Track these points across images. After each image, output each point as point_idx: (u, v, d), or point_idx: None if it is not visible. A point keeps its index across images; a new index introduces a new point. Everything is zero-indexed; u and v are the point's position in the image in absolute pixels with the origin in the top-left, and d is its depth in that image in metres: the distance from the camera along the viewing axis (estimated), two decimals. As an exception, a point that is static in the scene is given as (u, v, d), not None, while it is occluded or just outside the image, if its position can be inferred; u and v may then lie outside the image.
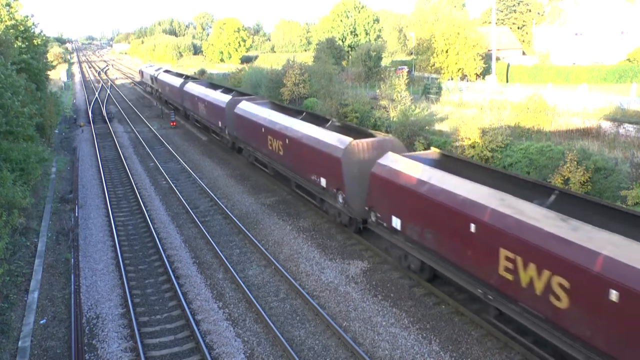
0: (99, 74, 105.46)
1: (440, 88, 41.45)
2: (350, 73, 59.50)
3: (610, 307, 8.71)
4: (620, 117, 27.02)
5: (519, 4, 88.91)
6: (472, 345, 11.93)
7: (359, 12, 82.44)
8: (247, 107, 27.20)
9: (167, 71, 56.58)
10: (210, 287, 15.02)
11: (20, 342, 12.37)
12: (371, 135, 18.47)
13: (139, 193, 23.89)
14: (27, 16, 35.79)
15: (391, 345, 11.97)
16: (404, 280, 15.08)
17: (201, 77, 60.55)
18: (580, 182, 17.98)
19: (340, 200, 18.05)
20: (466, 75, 50.53)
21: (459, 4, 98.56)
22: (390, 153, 15.84)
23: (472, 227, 11.72)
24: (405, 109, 28.73)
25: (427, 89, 41.52)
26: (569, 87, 42.90)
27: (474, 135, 22.64)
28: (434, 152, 16.35)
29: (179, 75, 51.52)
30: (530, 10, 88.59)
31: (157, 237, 18.56)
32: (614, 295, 8.65)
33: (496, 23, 70.92)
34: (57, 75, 74.56)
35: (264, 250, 17.09)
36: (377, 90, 33.94)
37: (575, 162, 18.31)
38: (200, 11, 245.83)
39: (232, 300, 14.20)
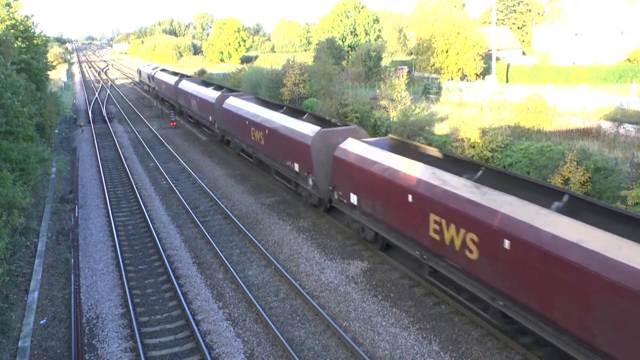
0: (99, 74, 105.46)
1: (440, 88, 41.42)
2: (350, 73, 59.47)
3: (504, 254, 10.89)
4: (620, 117, 27.02)
5: (519, 4, 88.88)
6: (472, 345, 11.93)
7: (359, 12, 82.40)
8: (234, 102, 29.21)
9: (163, 70, 58.77)
10: (210, 287, 15.02)
11: (20, 342, 12.38)
12: (339, 125, 20.53)
13: (139, 193, 23.89)
14: (27, 16, 35.77)
15: (391, 345, 11.97)
16: (404, 280, 15.08)
17: (201, 77, 61.98)
18: (580, 182, 17.97)
19: (311, 182, 19.98)
20: (466, 75, 50.53)
21: (459, 4, 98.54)
22: (350, 138, 17.82)
23: (410, 198, 13.84)
24: (405, 109, 28.74)
25: (427, 89, 41.50)
26: (569, 87, 42.90)
27: (474, 135, 22.64)
28: (389, 137, 18.55)
29: (175, 74, 53.56)
30: (530, 10, 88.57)
31: (157, 237, 18.55)
32: (507, 244, 10.76)
33: (496, 23, 70.92)
34: (57, 75, 74.53)
35: (264, 250, 17.09)
36: (377, 90, 33.93)
37: (575, 162, 18.29)
38: (200, 11, 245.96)
39: (232, 300, 14.21)
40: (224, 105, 30.17)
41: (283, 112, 24.00)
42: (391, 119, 29.55)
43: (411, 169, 14.18)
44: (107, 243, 18.40)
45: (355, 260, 16.55)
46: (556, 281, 9.75)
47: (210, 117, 33.76)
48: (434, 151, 15.90)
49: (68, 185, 25.77)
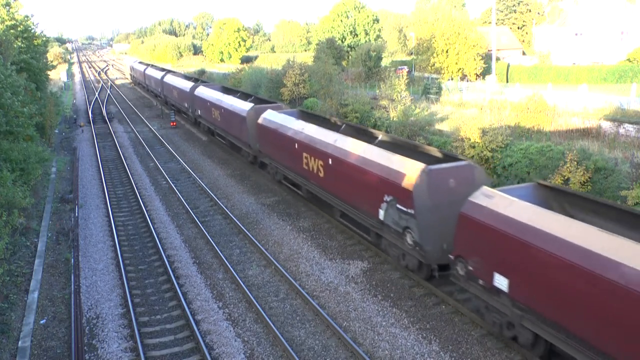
0: (99, 74, 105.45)
1: (440, 88, 41.40)
2: (350, 73, 59.44)
3: (222, 116, 29.54)
4: (620, 117, 26.99)
5: (519, 4, 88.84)
6: (472, 345, 11.93)
7: (359, 12, 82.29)
8: (170, 80, 45.99)
9: (140, 62, 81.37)
10: (210, 287, 15.02)
11: (20, 342, 12.37)
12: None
13: (139, 193, 23.88)
14: (27, 16, 35.76)
15: (391, 346, 11.97)
16: (404, 280, 15.08)
17: (201, 77, 65.25)
18: (580, 182, 17.97)
19: (197, 114, 37.86)
20: (466, 76, 50.49)
21: (459, 4, 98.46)
22: (208, 89, 36.15)
23: (215, 112, 31.29)
24: (405, 109, 28.73)
25: (427, 89, 41.49)
26: (569, 87, 42.88)
27: (474, 135, 22.62)
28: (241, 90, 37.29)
29: (145, 64, 74.49)
30: (530, 10, 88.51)
31: (157, 237, 18.55)
32: (217, 113, 29.52)
33: (496, 23, 70.91)
34: (57, 75, 74.52)
35: (264, 250, 17.09)
36: (377, 90, 33.95)
37: (575, 162, 18.28)
38: (200, 11, 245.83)
39: (232, 300, 14.21)
40: (165, 80, 47.95)
41: (190, 80, 44.03)
42: (391, 119, 29.54)
43: (214, 95, 32.61)
44: (107, 243, 18.40)
45: (355, 260, 16.55)
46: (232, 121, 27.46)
47: (159, 89, 51.96)
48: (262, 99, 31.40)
49: (68, 185, 25.76)
